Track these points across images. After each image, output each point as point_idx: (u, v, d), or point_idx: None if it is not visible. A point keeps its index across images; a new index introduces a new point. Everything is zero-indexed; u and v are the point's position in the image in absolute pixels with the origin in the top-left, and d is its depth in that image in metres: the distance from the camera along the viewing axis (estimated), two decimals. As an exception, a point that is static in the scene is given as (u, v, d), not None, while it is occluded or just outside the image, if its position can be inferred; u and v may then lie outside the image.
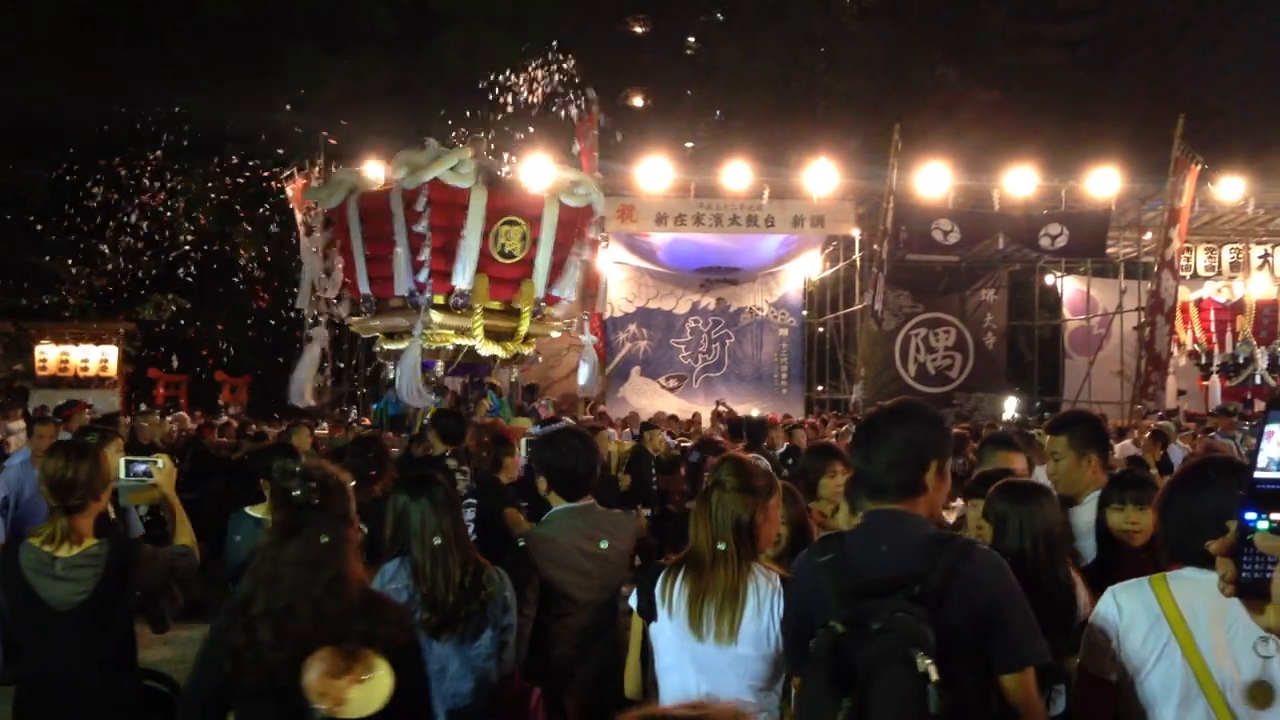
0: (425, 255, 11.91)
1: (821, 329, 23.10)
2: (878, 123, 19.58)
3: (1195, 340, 20.52)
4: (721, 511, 3.21)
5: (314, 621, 2.62)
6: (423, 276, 11.98)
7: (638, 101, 27.93)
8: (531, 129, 20.86)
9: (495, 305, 12.56)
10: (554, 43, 21.42)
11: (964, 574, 2.37)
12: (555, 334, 15.75)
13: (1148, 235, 19.82)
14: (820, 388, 22.31)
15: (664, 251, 20.45)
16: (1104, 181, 18.26)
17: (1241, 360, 20.49)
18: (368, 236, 12.70)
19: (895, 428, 2.64)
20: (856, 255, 20.37)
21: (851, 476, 4.16)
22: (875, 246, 18.50)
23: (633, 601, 3.40)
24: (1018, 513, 3.34)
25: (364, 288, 13.01)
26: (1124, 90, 25.58)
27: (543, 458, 4.33)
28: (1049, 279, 22.51)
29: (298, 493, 2.74)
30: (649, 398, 20.40)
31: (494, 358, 13.04)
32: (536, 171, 15.96)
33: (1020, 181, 18.14)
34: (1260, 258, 20.26)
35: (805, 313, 22.37)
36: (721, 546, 3.19)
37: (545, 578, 4.08)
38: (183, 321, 22.92)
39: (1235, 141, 21.73)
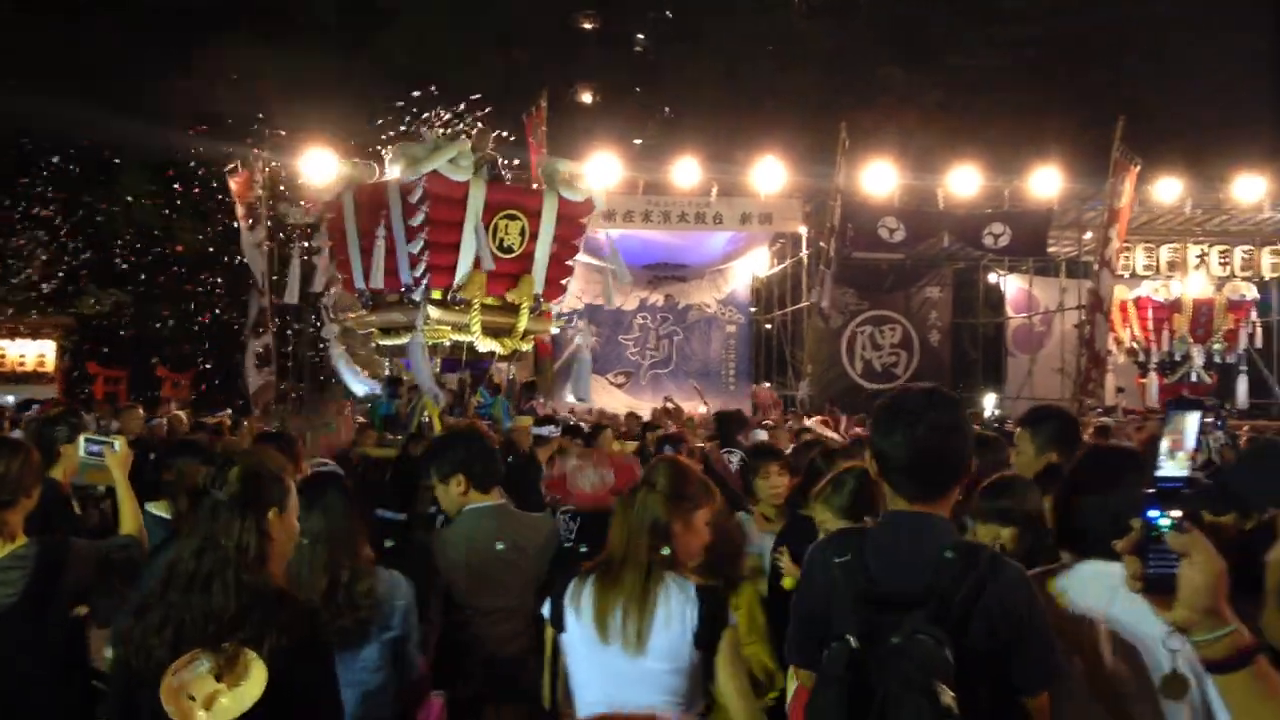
0: (420, 249, 11.71)
1: (769, 326, 23.22)
2: (825, 122, 19.70)
3: (1134, 338, 20.90)
4: (641, 513, 3.10)
5: (204, 617, 2.51)
6: (419, 271, 11.79)
7: (586, 98, 27.90)
8: (480, 124, 20.80)
9: (492, 301, 12.35)
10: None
11: (991, 593, 2.23)
12: (554, 330, 15.70)
13: (1088, 235, 20.15)
14: (767, 384, 22.41)
15: (607, 247, 20.43)
16: (1045, 182, 18.54)
17: (1178, 358, 20.92)
18: (363, 230, 12.46)
19: (941, 416, 2.42)
20: (804, 253, 20.50)
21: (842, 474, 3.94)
22: (822, 244, 18.63)
23: (545, 610, 3.23)
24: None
25: (359, 282, 12.78)
26: (1066, 93, 25.98)
27: (458, 456, 4.15)
28: (992, 277, 22.80)
29: (210, 483, 2.64)
30: (596, 394, 20.37)
31: (492, 354, 12.81)
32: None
33: (964, 181, 18.37)
34: (1197, 257, 20.66)
35: (753, 309, 22.47)
36: (618, 558, 3.07)
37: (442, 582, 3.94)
38: (122, 317, 22.55)
39: (1173, 144, 22.15)
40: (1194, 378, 20.38)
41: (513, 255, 12.22)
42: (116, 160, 21.90)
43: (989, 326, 23.26)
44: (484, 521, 4.09)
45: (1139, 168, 17.80)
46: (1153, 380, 20.46)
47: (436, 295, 11.94)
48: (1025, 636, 2.24)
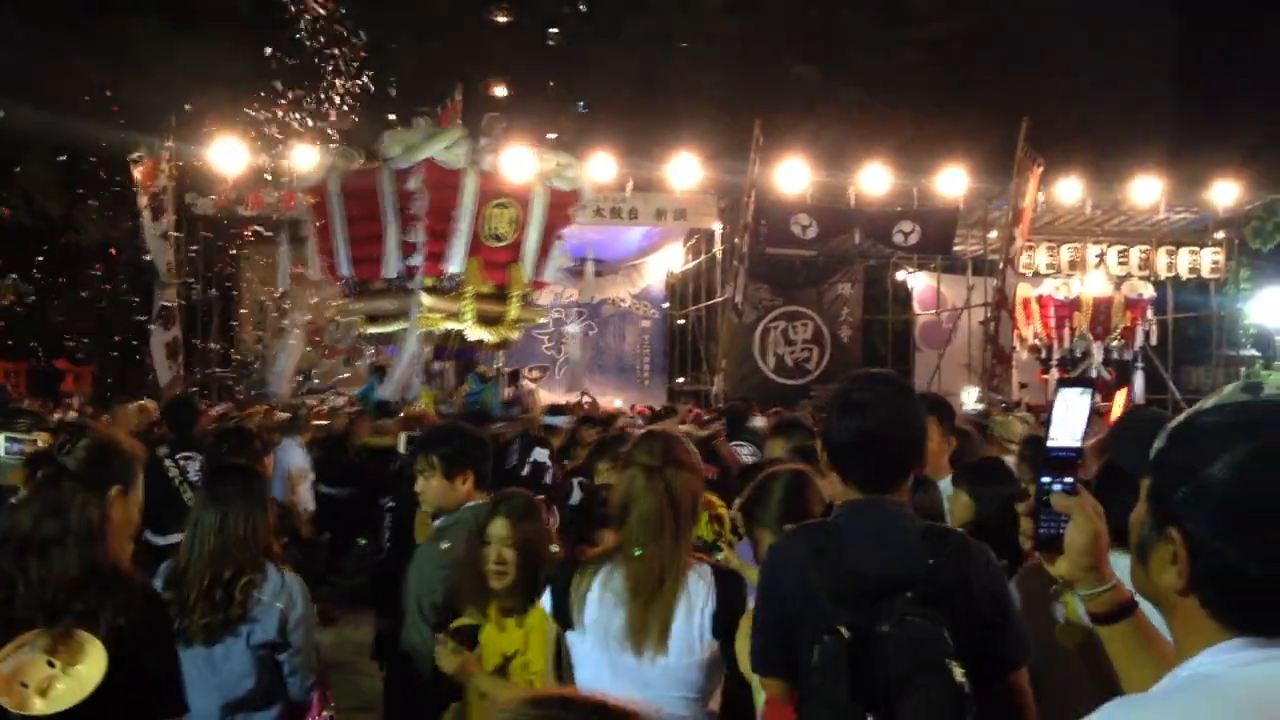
0: (418, 237, 11.55)
1: (683, 321, 23.36)
2: (739, 118, 19.87)
3: (1036, 335, 21.46)
4: (648, 497, 2.77)
5: (25, 585, 2.41)
6: (416, 259, 11.64)
7: (500, 91, 27.74)
8: (393, 116, 20.57)
9: (486, 289, 12.27)
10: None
11: (968, 573, 2.22)
12: (542, 320, 15.65)
13: (993, 234, 20.61)
14: (681, 379, 22.56)
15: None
16: (953, 181, 18.93)
17: (1079, 354, 21.53)
18: (350, 217, 12.26)
19: (897, 401, 2.40)
20: (718, 248, 20.66)
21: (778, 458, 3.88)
22: (736, 240, 18.80)
23: (546, 603, 2.98)
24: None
25: (344, 269, 12.57)
26: (972, 93, 26.51)
27: (472, 453, 4.01)
28: (901, 275, 23.20)
29: (58, 450, 2.55)
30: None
31: (480, 342, 12.74)
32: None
33: (875, 179, 18.67)
34: (1096, 257, 21.24)
35: (667, 305, 22.60)
36: (639, 544, 2.78)
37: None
38: (19, 307, 21.87)
39: (1074, 145, 22.76)
40: (1094, 373, 20.97)
41: (504, 244, 12.28)
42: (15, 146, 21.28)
43: (898, 323, 23.67)
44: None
45: (1042, 168, 18.24)
46: (1054, 376, 21.01)
47: (428, 283, 11.88)
48: (1006, 612, 2.27)
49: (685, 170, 18.35)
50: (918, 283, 23.18)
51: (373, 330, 13.05)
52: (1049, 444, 1.74)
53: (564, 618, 2.88)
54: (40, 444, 4.09)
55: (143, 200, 17.07)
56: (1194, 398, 22.73)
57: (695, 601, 2.76)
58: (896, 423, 2.37)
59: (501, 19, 28.86)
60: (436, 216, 11.69)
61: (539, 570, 3.27)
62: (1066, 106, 26.25)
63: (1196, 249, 21.55)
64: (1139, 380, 21.01)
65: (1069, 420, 1.74)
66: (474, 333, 12.34)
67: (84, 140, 18.95)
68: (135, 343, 20.14)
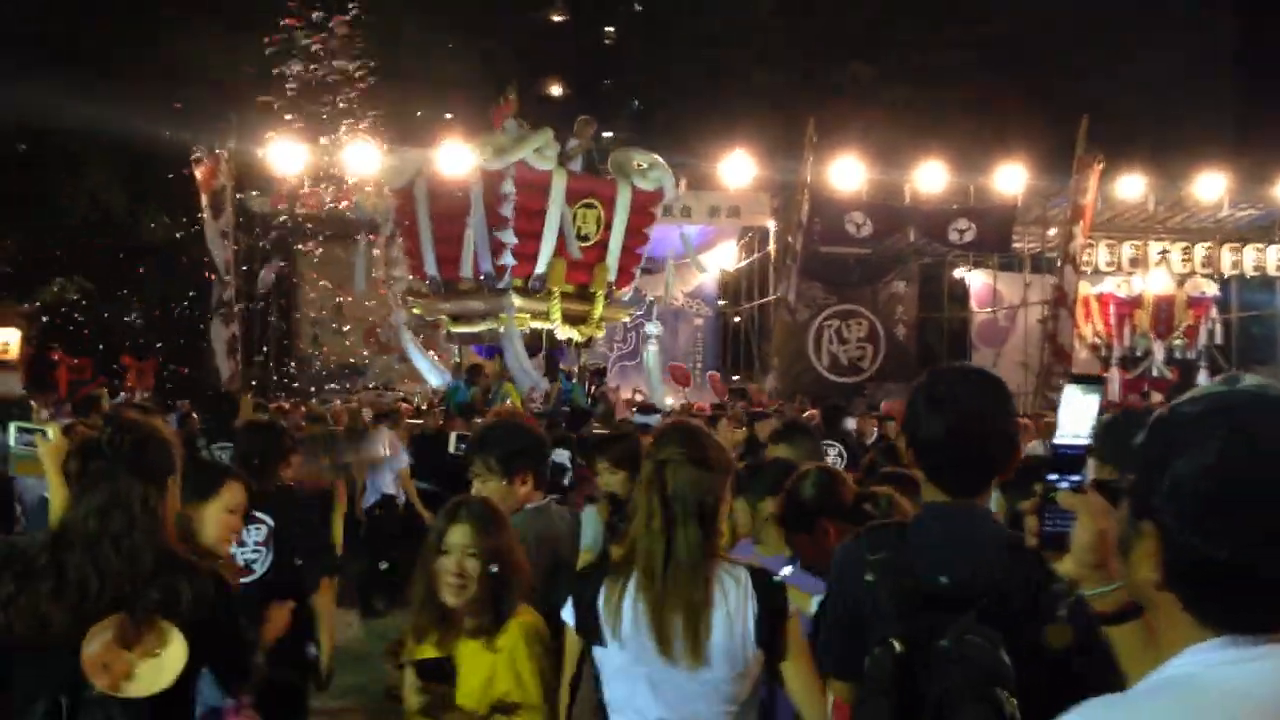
0: (508, 238, 11.77)
1: (737, 319, 23.32)
2: (793, 116, 19.81)
3: (1096, 333, 21.17)
4: (679, 493, 2.58)
5: (99, 578, 2.43)
6: (506, 259, 11.88)
7: (555, 91, 27.90)
8: (449, 115, 20.76)
9: (569, 289, 12.50)
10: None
11: (1044, 598, 2.03)
12: (626, 319, 15.87)
13: (1052, 231, 20.36)
14: (735, 377, 22.52)
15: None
16: (1010, 178, 18.72)
17: (1139, 353, 21.21)
18: (437, 217, 12.52)
19: (986, 396, 2.27)
20: (771, 246, 20.60)
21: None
22: (789, 238, 18.75)
23: (568, 615, 2.76)
24: None
25: (431, 269, 12.82)
26: (1031, 90, 26.20)
27: (533, 452, 3.83)
28: (958, 272, 22.99)
29: (108, 442, 2.57)
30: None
31: (570, 340, 12.97)
32: (456, 155, 15.95)
33: (930, 177, 18.53)
34: (1159, 254, 20.92)
35: (721, 303, 22.56)
36: (644, 546, 2.60)
37: None
38: (85, 303, 22.36)
39: (1136, 141, 22.40)
40: (1155, 373, 20.67)
41: (589, 244, 12.54)
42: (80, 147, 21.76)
43: (954, 321, 23.45)
44: (556, 521, 3.85)
45: (1102, 165, 18.02)
46: (1115, 375, 20.72)
47: (517, 283, 12.08)
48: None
49: (739, 168, 18.33)
50: (974, 280, 22.96)
51: (457, 330, 13.24)
52: (1055, 441, 1.74)
53: (592, 631, 2.65)
54: (50, 435, 4.10)
55: (204, 199, 17.41)
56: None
57: (734, 608, 2.54)
58: (986, 419, 2.24)
59: (557, 18, 29.02)
60: (526, 218, 11.87)
61: (510, 585, 2.88)
62: (1127, 102, 25.86)
63: (1262, 246, 21.11)
64: (1202, 380, 20.61)
65: (1076, 417, 1.73)
66: (562, 332, 12.53)
67: (147, 140, 19.32)
68: (197, 341, 20.50)
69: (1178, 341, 21.08)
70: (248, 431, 5.35)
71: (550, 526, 3.79)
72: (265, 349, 20.70)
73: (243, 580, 4.56)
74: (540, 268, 12.03)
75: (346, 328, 20.54)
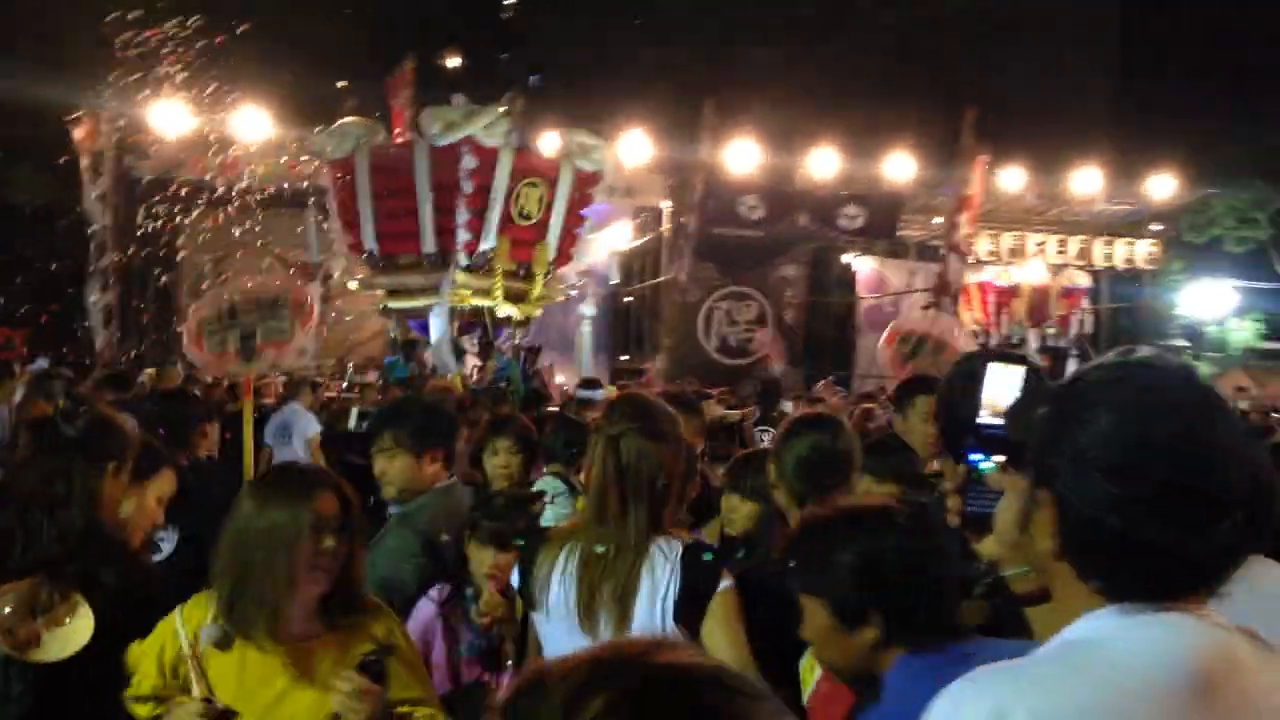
0: (460, 214, 11.55)
1: (628, 299, 23.39)
2: (689, 97, 19.89)
3: (975, 321, 21.80)
4: (632, 466, 2.52)
5: (25, 539, 2.48)
6: (462, 236, 11.66)
7: (451, 63, 27.52)
8: (342, 83, 20.34)
9: (512, 266, 12.36)
10: None
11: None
12: (560, 298, 15.73)
13: (937, 220, 20.87)
14: (625, 357, 22.60)
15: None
16: (899, 167, 19.14)
17: (1015, 341, 21.90)
18: (378, 193, 12.21)
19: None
20: (664, 227, 20.69)
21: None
22: (683, 219, 18.86)
23: (514, 579, 2.75)
24: None
25: (370, 243, 12.52)
26: (921, 81, 26.76)
27: (440, 429, 3.67)
28: (845, 258, 23.40)
29: (62, 417, 2.65)
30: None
31: (509, 319, 12.84)
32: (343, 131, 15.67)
33: (823, 163, 18.83)
34: (1036, 245, 21.62)
35: (613, 283, 22.59)
36: (592, 518, 2.56)
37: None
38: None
39: (1018, 135, 23.05)
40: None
41: (531, 222, 12.42)
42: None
43: (842, 306, 23.89)
44: (464, 501, 3.64)
45: (987, 157, 18.51)
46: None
47: (462, 259, 11.95)
48: None
49: (635, 147, 18.33)
50: (862, 266, 23.41)
51: (395, 305, 13.11)
52: (980, 421, 1.72)
53: (529, 598, 2.65)
54: None
55: (83, 161, 16.77)
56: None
57: (659, 584, 2.47)
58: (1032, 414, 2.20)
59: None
60: (472, 194, 11.78)
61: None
62: (1011, 97, 26.59)
63: (1132, 240, 22.02)
64: (1072, 368, 21.37)
65: (999, 396, 1.72)
66: (503, 309, 12.51)
67: (18, 98, 18.51)
68: (73, 309, 19.77)
69: (1051, 330, 21.83)
70: (159, 400, 5.09)
71: (459, 506, 3.63)
72: (144, 319, 20.05)
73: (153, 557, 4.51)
74: (486, 244, 11.98)
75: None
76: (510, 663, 3.02)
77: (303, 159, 16.91)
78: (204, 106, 17.16)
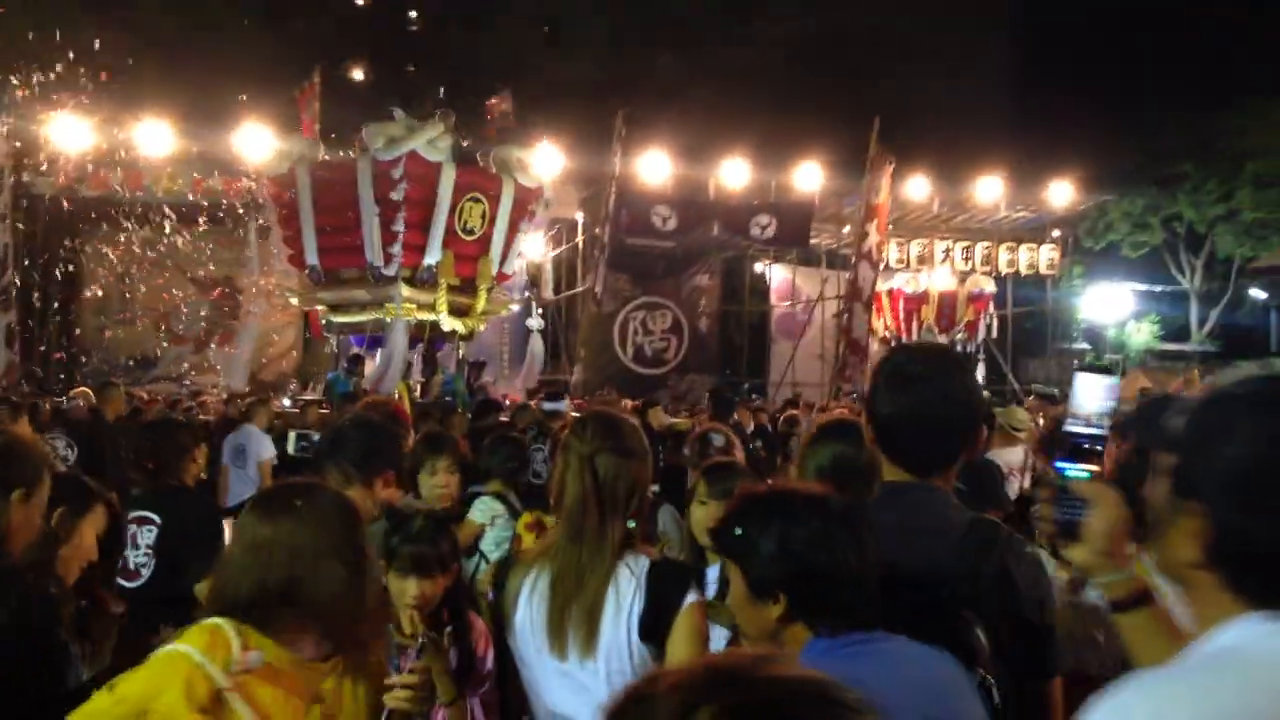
0: (399, 228, 11.46)
1: (544, 311, 23.34)
2: (602, 108, 19.97)
3: (887, 327, 22.19)
4: (609, 485, 2.48)
5: None
6: (395, 250, 11.56)
7: (358, 75, 27.22)
8: (243, 96, 20.00)
9: (455, 281, 12.31)
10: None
11: (1017, 578, 2.11)
12: (505, 312, 15.70)
13: (847, 228, 21.21)
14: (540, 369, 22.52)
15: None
16: (809, 176, 19.44)
17: (925, 346, 22.32)
18: (321, 207, 12.07)
19: (951, 376, 2.24)
20: (579, 238, 20.72)
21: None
22: (597, 230, 18.91)
23: (493, 597, 2.73)
24: None
25: (311, 259, 12.35)
26: (828, 91, 27.18)
27: (392, 452, 3.49)
28: (758, 267, 23.67)
29: None
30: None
31: (453, 333, 12.77)
32: (252, 142, 15.48)
33: (734, 173, 19.04)
34: (943, 252, 22.08)
35: (528, 294, 22.54)
36: (564, 538, 2.50)
37: None
38: None
39: (924, 144, 23.54)
40: (939, 365, 21.77)
41: (474, 237, 12.42)
42: None
43: (754, 314, 24.15)
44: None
45: (894, 166, 18.86)
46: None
47: (405, 274, 11.90)
48: (1047, 622, 2.15)
49: (547, 159, 18.33)
50: (774, 275, 23.70)
51: (338, 320, 13.03)
52: (1068, 429, 1.73)
53: (502, 618, 2.61)
54: None
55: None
56: (1030, 388, 23.82)
57: (623, 601, 2.43)
58: (950, 400, 2.21)
59: (359, 1, 28.33)
60: (416, 208, 11.77)
61: None
62: (916, 107, 27.15)
63: (1034, 246, 22.60)
64: (980, 372, 21.90)
65: (1088, 405, 1.73)
66: (447, 323, 12.53)
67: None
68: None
69: (959, 335, 22.30)
70: (146, 429, 5.01)
71: None
72: (46, 339, 19.48)
73: (131, 585, 4.39)
74: (430, 259, 11.98)
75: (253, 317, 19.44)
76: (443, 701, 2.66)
77: (220, 175, 16.70)
78: (106, 121, 16.78)
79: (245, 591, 2.21)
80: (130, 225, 18.39)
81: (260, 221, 16.24)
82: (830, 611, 1.92)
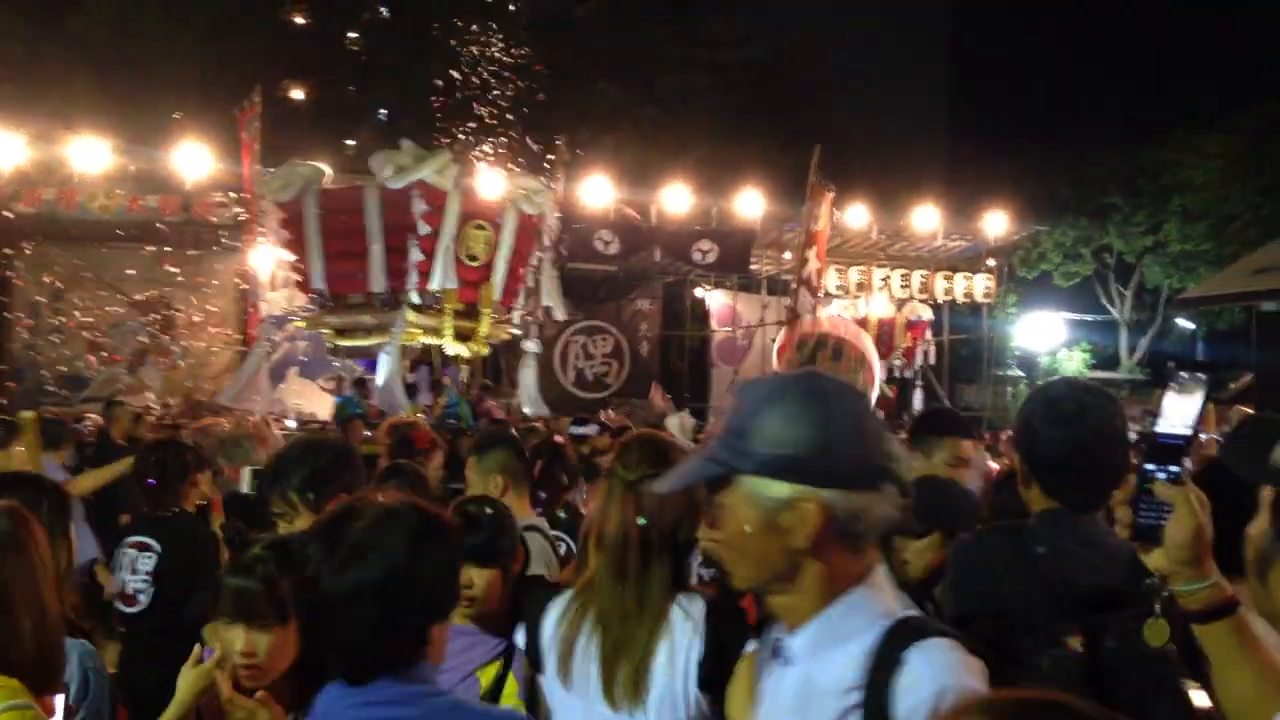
0: (411, 255, 11.56)
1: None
2: (544, 133, 20.03)
3: (826, 353, 22.35)
4: (655, 517, 2.27)
5: None
6: (413, 278, 11.67)
7: (297, 95, 27.02)
8: (177, 115, 19.79)
9: (460, 306, 12.42)
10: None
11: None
12: (506, 336, 15.72)
13: (787, 255, 21.39)
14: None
15: (326, 252, 19.96)
16: (749, 203, 19.61)
17: (864, 372, 22.54)
18: (328, 233, 12.11)
19: (1108, 411, 2.20)
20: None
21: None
22: (539, 255, 18.88)
23: (519, 639, 2.48)
24: None
25: (319, 283, 12.39)
26: (768, 118, 27.51)
27: (333, 469, 3.09)
28: (699, 292, 23.75)
29: None
30: (306, 399, 19.79)
31: (457, 357, 12.88)
32: (190, 160, 15.35)
33: (675, 198, 19.16)
34: (881, 280, 22.33)
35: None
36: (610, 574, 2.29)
37: None
38: None
39: (862, 173, 23.94)
40: (876, 392, 21.99)
41: (477, 264, 12.62)
42: None
43: (695, 339, 24.21)
44: None
45: (833, 194, 19.07)
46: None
47: (412, 299, 12.01)
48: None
49: (490, 184, 18.32)
50: (715, 300, 23.79)
51: (344, 343, 13.23)
52: (1156, 430, 1.67)
53: (536, 659, 2.40)
54: None
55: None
56: (966, 414, 24.15)
57: (679, 647, 2.22)
58: (1106, 435, 2.19)
59: (299, 20, 28.15)
60: (424, 235, 11.93)
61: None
62: (855, 137, 27.58)
63: (970, 274, 22.95)
64: (918, 398, 22.16)
65: (1180, 407, 1.67)
66: (451, 348, 12.72)
67: None
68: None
69: (897, 361, 22.54)
70: (150, 449, 4.83)
71: None
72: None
73: (128, 610, 4.38)
74: (435, 284, 12.14)
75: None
76: None
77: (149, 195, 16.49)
78: (38, 137, 16.49)
79: None
80: (61, 245, 18.09)
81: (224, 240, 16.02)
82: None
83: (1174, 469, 1.64)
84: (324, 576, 1.83)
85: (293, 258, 13.13)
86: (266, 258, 17.74)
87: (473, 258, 12.67)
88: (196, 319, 19.28)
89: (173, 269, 19.02)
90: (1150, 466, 1.65)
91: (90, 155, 16.21)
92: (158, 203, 17.75)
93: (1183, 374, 1.68)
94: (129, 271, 18.84)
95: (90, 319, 18.64)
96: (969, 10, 40.39)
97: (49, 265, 18.67)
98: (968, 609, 2.23)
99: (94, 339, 19.03)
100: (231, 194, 17.30)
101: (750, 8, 30.82)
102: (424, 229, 12.01)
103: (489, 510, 2.93)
